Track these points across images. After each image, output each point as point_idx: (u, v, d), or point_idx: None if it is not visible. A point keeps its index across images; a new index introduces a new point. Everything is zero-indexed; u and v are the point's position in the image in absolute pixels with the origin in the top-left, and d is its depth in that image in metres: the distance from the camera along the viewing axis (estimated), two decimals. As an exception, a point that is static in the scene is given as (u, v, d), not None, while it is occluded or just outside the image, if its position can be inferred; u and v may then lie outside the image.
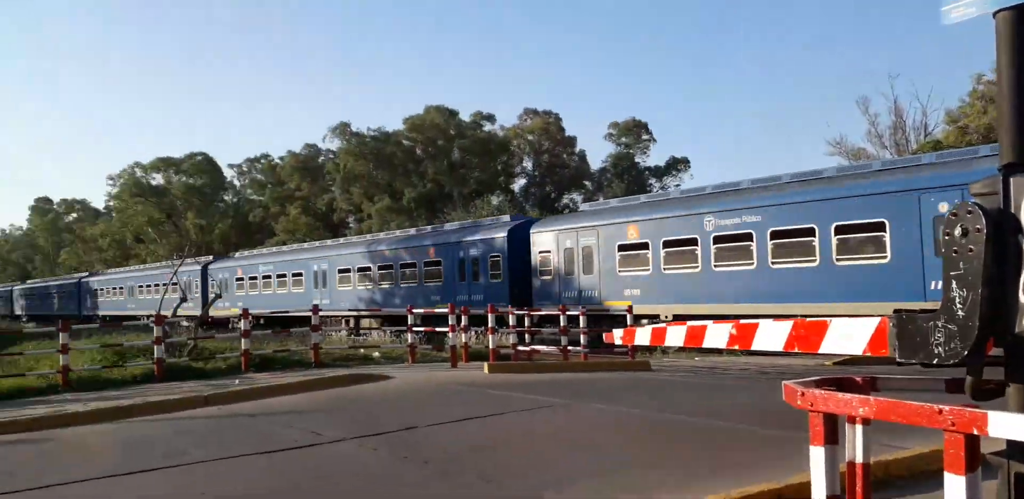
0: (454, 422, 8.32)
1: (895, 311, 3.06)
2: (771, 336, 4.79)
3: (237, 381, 12.07)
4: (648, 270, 19.43)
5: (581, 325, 15.39)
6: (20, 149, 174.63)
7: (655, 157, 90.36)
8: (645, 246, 19.56)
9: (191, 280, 38.02)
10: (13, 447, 8.02)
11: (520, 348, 15.68)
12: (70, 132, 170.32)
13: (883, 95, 69.90)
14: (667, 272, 18.97)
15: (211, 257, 42.18)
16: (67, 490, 6.04)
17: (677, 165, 57.11)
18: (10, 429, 8.89)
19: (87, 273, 59.28)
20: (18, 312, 65.90)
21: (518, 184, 56.91)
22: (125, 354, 13.89)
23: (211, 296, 30.95)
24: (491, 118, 55.36)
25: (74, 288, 54.97)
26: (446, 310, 14.74)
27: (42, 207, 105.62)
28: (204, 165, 67.34)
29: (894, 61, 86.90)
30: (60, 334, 12.25)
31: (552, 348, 15.75)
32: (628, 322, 15.68)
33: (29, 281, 76.32)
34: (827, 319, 4.42)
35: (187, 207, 66.41)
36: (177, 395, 10.68)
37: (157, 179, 68.87)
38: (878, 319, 3.97)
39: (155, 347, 12.78)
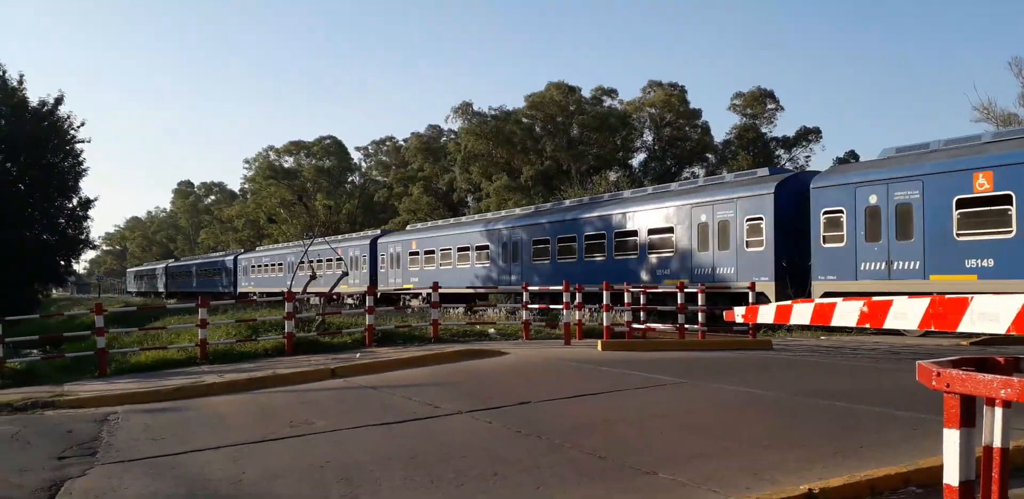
0: (567, 398, 8.29)
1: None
2: (906, 314, 4.47)
3: (359, 355, 12.48)
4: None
5: (699, 303, 14.98)
6: (167, 136, 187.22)
7: (783, 127, 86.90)
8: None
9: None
10: (156, 415, 8.56)
11: (635, 326, 15.42)
12: (213, 120, 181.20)
13: (1037, 55, 64.26)
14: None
15: (379, 231, 40.99)
16: (202, 456, 6.39)
17: (808, 135, 54.57)
18: (153, 398, 9.55)
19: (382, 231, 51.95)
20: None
21: (637, 159, 55.87)
22: (258, 329, 14.60)
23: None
24: (612, 93, 54.21)
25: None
26: (560, 287, 14.69)
27: (184, 190, 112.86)
28: (333, 148, 69.89)
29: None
30: (200, 310, 12.99)
31: (668, 326, 15.42)
32: (750, 300, 15.16)
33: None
34: (967, 297, 4.07)
35: (316, 188, 69.12)
36: (305, 368, 11.15)
37: (289, 162, 71.92)
38: (1024, 296, 3.61)
39: (286, 322, 13.37)
